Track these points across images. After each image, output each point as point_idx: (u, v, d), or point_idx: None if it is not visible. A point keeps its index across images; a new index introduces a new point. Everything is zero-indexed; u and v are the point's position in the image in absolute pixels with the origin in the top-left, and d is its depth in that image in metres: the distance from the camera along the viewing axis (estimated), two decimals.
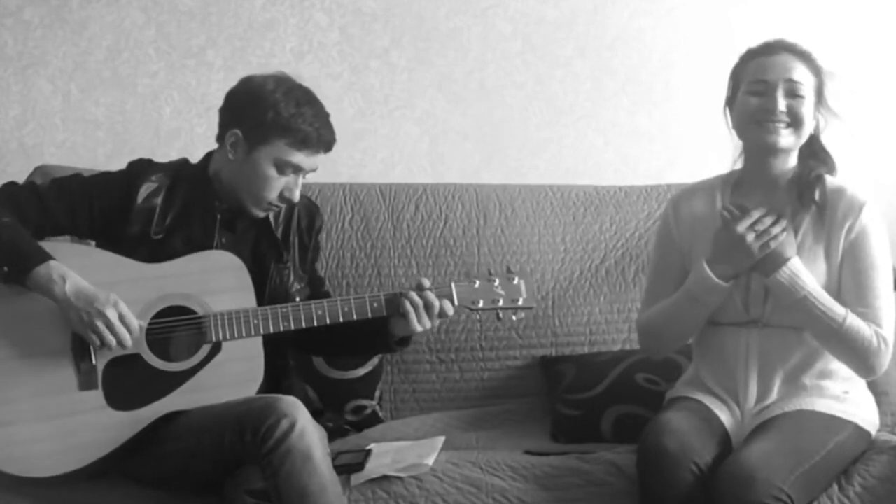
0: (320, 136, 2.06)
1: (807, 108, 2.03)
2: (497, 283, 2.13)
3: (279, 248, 2.17)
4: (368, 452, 2.13)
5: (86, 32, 2.86)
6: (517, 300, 2.13)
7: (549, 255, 2.67)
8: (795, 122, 2.03)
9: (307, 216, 2.26)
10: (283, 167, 2.05)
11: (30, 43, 2.84)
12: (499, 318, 2.16)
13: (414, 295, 2.03)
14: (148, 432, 1.94)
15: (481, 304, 2.11)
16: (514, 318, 2.16)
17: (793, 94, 2.02)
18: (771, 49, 2.07)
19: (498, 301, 2.12)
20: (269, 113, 2.02)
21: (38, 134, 2.86)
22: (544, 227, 2.70)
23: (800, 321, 2.02)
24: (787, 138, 2.03)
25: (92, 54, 2.87)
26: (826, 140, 2.13)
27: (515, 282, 2.14)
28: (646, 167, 3.05)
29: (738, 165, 2.18)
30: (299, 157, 2.05)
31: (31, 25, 2.84)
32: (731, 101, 2.13)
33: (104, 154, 2.86)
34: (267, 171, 2.05)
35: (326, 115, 2.10)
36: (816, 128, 2.10)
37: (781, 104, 2.01)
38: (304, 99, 2.07)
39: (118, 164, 2.21)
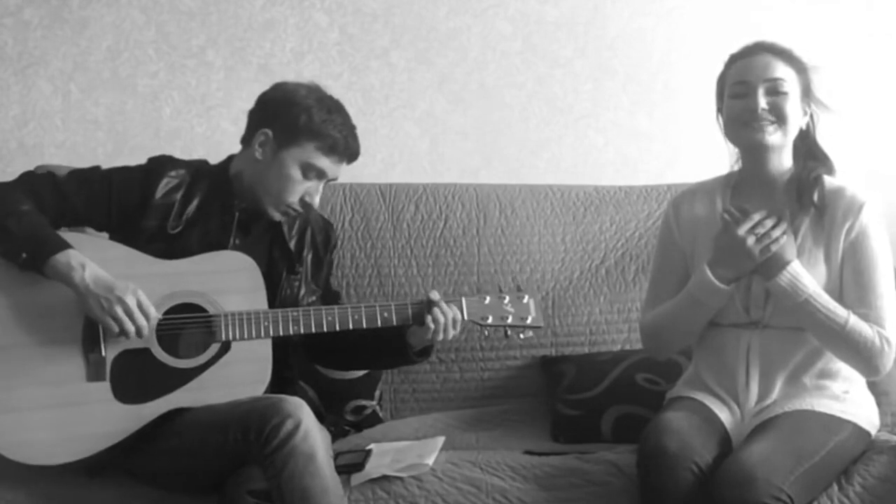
0: (348, 145, 2.11)
1: (791, 105, 2.04)
2: (507, 300, 2.14)
3: (291, 258, 2.19)
4: (368, 452, 2.13)
5: (86, 32, 2.86)
6: (526, 318, 2.14)
7: (549, 255, 2.67)
8: (780, 118, 2.03)
9: (322, 231, 2.30)
10: (307, 171, 2.09)
11: (30, 43, 2.84)
12: (506, 336, 2.17)
13: (444, 306, 2.05)
14: (152, 428, 1.94)
15: (490, 320, 2.13)
16: (521, 336, 2.17)
17: (774, 91, 2.03)
18: (750, 51, 2.09)
19: (507, 318, 2.14)
20: (302, 116, 2.06)
21: (38, 134, 2.86)
22: (544, 227, 2.70)
23: (802, 324, 2.02)
24: (773, 135, 2.04)
25: (92, 54, 2.87)
26: (824, 138, 2.13)
27: (525, 300, 2.15)
28: (646, 167, 3.05)
29: (737, 168, 2.19)
30: (325, 163, 2.09)
31: (31, 25, 2.84)
32: (721, 108, 2.14)
33: (104, 154, 2.86)
34: (292, 172, 2.08)
35: (353, 127, 2.14)
36: (810, 125, 2.10)
37: (763, 102, 2.02)
38: (336, 108, 2.12)
39: (118, 164, 2.20)
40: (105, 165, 2.18)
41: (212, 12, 2.90)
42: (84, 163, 2.70)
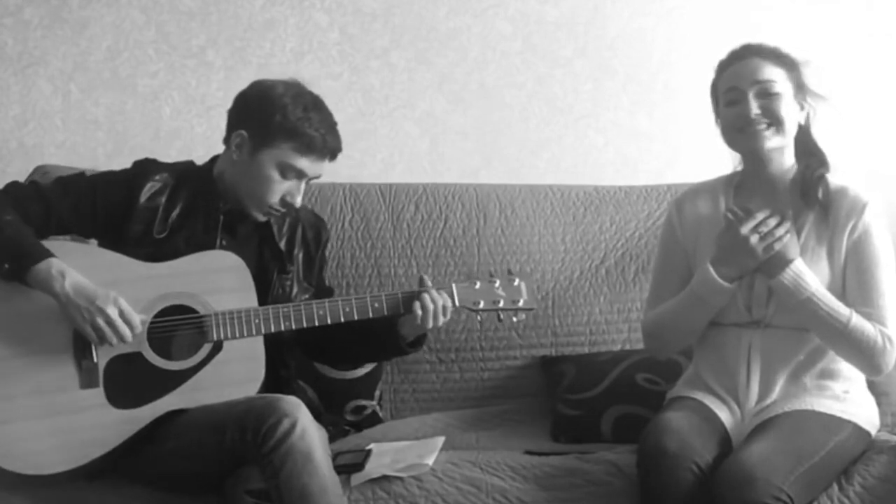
0: (325, 143, 2.07)
1: (785, 105, 2.04)
2: (498, 284, 2.14)
3: (282, 258, 2.18)
4: (368, 452, 2.13)
5: (86, 32, 2.86)
6: (518, 301, 2.14)
7: (549, 255, 2.67)
8: (775, 121, 2.04)
9: (312, 228, 2.27)
10: (286, 171, 2.06)
11: (30, 43, 2.84)
12: (499, 320, 2.17)
13: (434, 293, 2.04)
14: (148, 431, 1.94)
15: (482, 305, 2.12)
16: (514, 319, 2.17)
17: (765, 94, 2.03)
18: (737, 56, 2.09)
19: (499, 302, 2.13)
20: (277, 116, 2.02)
21: (38, 134, 2.86)
22: (544, 227, 2.70)
23: (804, 322, 2.02)
24: (771, 140, 2.05)
25: (92, 54, 2.87)
26: (824, 136, 2.13)
27: (516, 283, 2.15)
28: (646, 167, 3.05)
29: (739, 168, 2.19)
30: (303, 163, 2.06)
31: (31, 25, 2.84)
32: (718, 115, 2.15)
33: (104, 154, 2.86)
34: (270, 173, 2.05)
35: (334, 123, 2.10)
36: (806, 120, 2.10)
37: (754, 107, 2.03)
38: (313, 105, 2.07)
39: (118, 164, 2.21)
40: (105, 166, 2.18)
41: (212, 12, 2.90)
42: (84, 163, 2.71)
